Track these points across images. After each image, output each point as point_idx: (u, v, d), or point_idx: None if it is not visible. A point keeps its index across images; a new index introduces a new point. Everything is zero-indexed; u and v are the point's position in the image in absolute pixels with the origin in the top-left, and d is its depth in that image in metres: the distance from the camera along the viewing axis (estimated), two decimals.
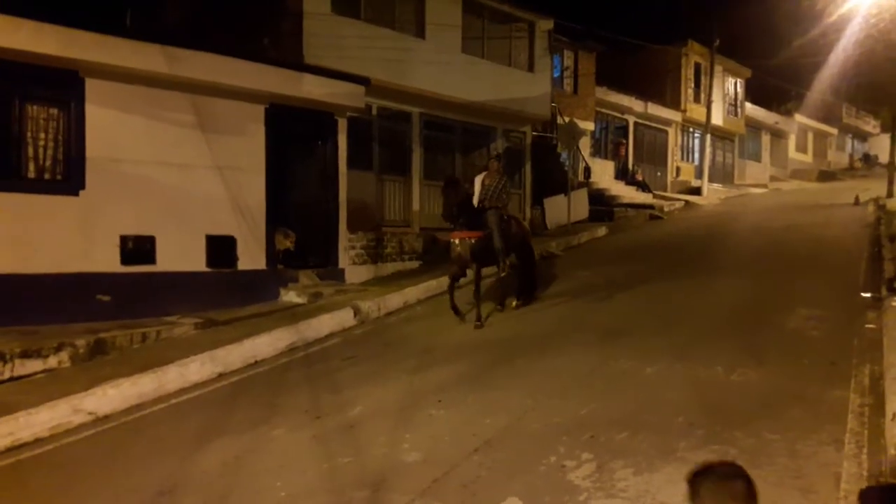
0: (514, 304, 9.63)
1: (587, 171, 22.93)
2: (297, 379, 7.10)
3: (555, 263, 13.95)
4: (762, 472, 4.18)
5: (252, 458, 5.13)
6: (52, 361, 7.44)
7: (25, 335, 7.72)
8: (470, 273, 9.37)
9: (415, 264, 13.78)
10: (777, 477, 4.14)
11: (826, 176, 39.04)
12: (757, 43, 40.28)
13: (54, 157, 8.95)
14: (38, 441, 5.86)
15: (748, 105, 35.03)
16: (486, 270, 9.50)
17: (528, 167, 19.25)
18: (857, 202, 20.31)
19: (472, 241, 8.86)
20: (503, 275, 9.52)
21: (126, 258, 9.17)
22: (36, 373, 7.30)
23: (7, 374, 7.11)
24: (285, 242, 11.11)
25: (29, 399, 6.26)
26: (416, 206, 15.89)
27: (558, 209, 19.24)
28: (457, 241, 9.00)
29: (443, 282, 11.61)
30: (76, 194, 8.89)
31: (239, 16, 13.78)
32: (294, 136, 11.38)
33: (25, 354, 7.27)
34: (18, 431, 5.81)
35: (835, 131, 45.51)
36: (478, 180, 9.49)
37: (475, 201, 9.29)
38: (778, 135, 39.92)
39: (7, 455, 5.63)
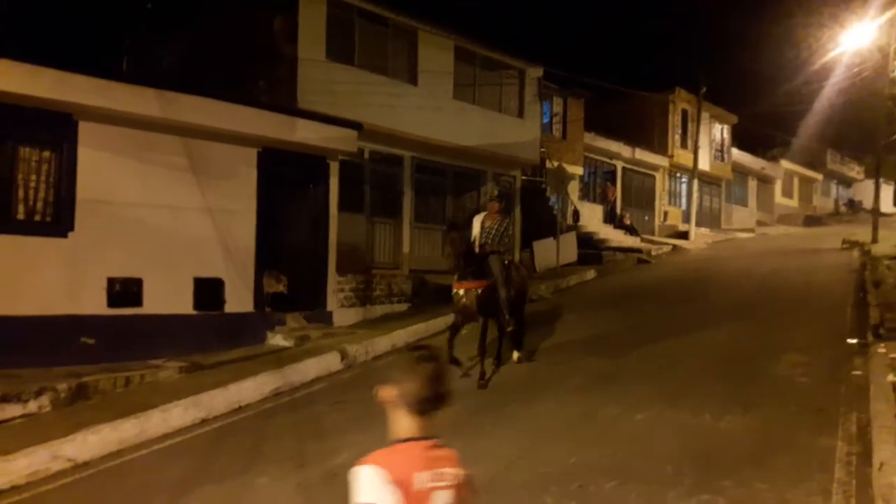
0: (515, 357, 8.91)
1: (576, 214, 23.09)
2: (282, 425, 7.01)
3: (544, 306, 13.94)
4: None
5: None
6: (33, 406, 7.31)
7: (6, 378, 7.60)
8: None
9: (403, 307, 13.75)
10: None
11: (812, 221, 39.48)
12: (743, 90, 41.19)
13: (45, 199, 8.95)
14: (14, 489, 5.72)
15: (735, 151, 35.54)
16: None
17: (517, 210, 19.38)
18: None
19: (479, 291, 8.12)
20: (510, 329, 8.61)
21: (113, 300, 9.12)
22: (15, 417, 7.16)
23: None
24: (277, 286, 10.99)
25: (6, 445, 6.13)
26: (406, 248, 15.93)
27: (547, 252, 19.31)
28: (462, 293, 8.22)
29: (431, 325, 11.61)
30: (65, 236, 8.87)
31: (234, 60, 13.97)
32: (286, 179, 11.43)
33: (5, 399, 7.14)
34: None
35: (820, 177, 46.17)
36: (476, 221, 8.86)
37: (476, 245, 8.64)
38: (764, 180, 40.43)
39: None
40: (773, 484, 4.69)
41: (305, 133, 11.28)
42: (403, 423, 2.16)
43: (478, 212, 9.43)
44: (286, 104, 12.14)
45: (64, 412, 7.31)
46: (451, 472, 2.17)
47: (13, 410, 7.16)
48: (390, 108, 14.50)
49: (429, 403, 2.16)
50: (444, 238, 8.59)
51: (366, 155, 14.75)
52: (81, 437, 6.29)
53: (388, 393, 2.17)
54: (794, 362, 7.88)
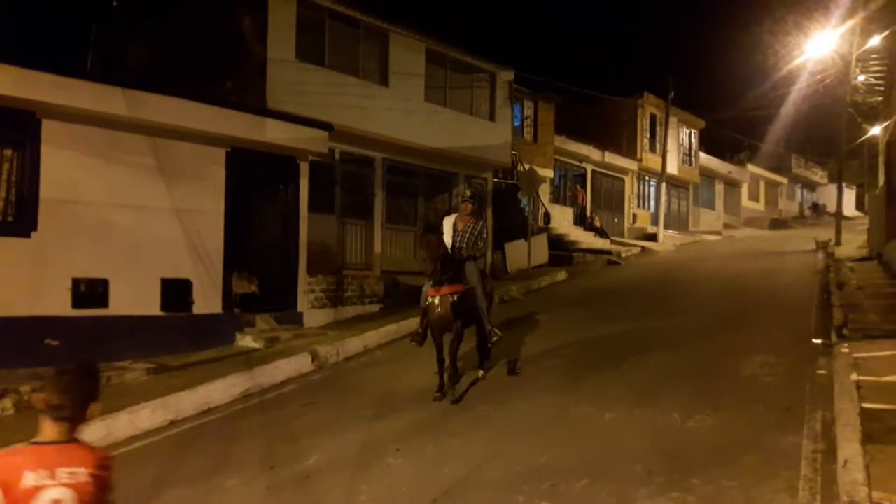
0: (480, 374, 8.20)
1: (547, 216, 23.27)
2: (252, 427, 6.93)
3: (515, 307, 14.00)
4: None
5: None
6: None
7: None
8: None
9: (375, 308, 13.70)
10: None
11: (777, 224, 40.27)
12: (711, 95, 41.87)
13: (6, 198, 8.76)
14: None
15: (702, 155, 36.10)
16: None
17: (489, 213, 19.45)
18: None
19: (455, 298, 7.38)
20: (494, 341, 7.97)
21: (78, 301, 8.95)
22: None
23: None
24: (249, 287, 10.88)
25: None
26: (377, 249, 15.89)
27: (519, 254, 19.42)
28: (437, 300, 7.38)
29: (403, 326, 11.55)
30: (28, 236, 8.69)
31: (203, 60, 13.81)
32: (256, 179, 11.33)
33: None
34: None
35: (785, 181, 47.10)
36: (447, 223, 8.19)
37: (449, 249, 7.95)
38: (731, 184, 41.12)
39: None
40: (740, 481, 4.75)
41: (275, 133, 11.19)
42: (43, 426, 2.46)
43: (449, 213, 8.77)
44: (255, 104, 12.03)
45: (27, 414, 7.13)
46: (70, 472, 2.40)
47: None
48: (361, 109, 14.48)
49: (56, 411, 2.45)
50: (419, 241, 7.55)
51: (337, 156, 14.69)
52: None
53: (36, 400, 2.58)
54: (761, 362, 7.99)
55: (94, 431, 6.47)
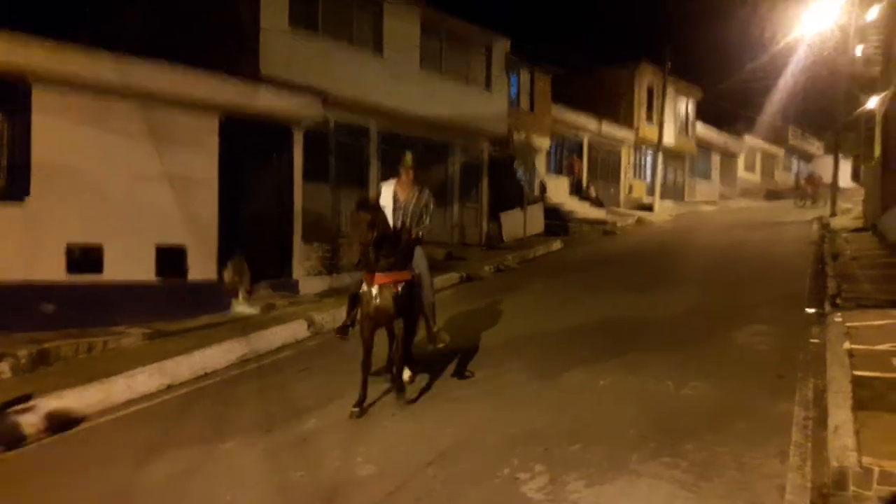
0: (407, 376, 6.78)
1: (543, 186, 23.24)
2: (249, 391, 6.97)
3: (510, 276, 14.06)
4: (712, 485, 4.27)
5: (201, 472, 5.01)
6: None
7: None
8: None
9: None
10: (725, 489, 4.23)
11: (773, 195, 40.29)
12: (708, 65, 41.55)
13: None
14: None
15: (699, 125, 35.98)
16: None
17: (485, 182, 19.41)
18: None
19: (398, 288, 6.12)
20: (441, 346, 6.72)
21: (72, 267, 8.92)
22: None
23: None
24: (237, 282, 10.48)
25: None
26: None
27: (514, 223, 19.43)
28: (374, 291, 6.06)
29: None
30: (21, 200, 8.62)
31: (195, 28, 13.60)
32: (249, 147, 11.24)
33: None
34: None
35: (781, 152, 47.07)
36: (386, 192, 6.78)
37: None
38: (728, 154, 41.06)
39: None
40: (732, 447, 4.81)
41: (268, 101, 11.10)
42: None
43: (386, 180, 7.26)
44: (248, 72, 11.88)
45: (25, 378, 7.17)
46: None
47: None
48: (355, 77, 14.34)
49: None
50: (350, 219, 6.36)
51: (331, 125, 14.56)
52: (45, 403, 6.19)
53: None
54: (755, 331, 8.06)
55: (92, 395, 6.54)
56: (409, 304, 6.33)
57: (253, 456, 5.25)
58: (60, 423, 6.18)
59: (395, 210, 6.63)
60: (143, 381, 6.96)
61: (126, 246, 9.42)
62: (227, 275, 10.09)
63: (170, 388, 7.13)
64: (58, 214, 8.82)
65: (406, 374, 6.75)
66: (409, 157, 6.94)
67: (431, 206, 6.87)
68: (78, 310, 8.77)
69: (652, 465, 4.61)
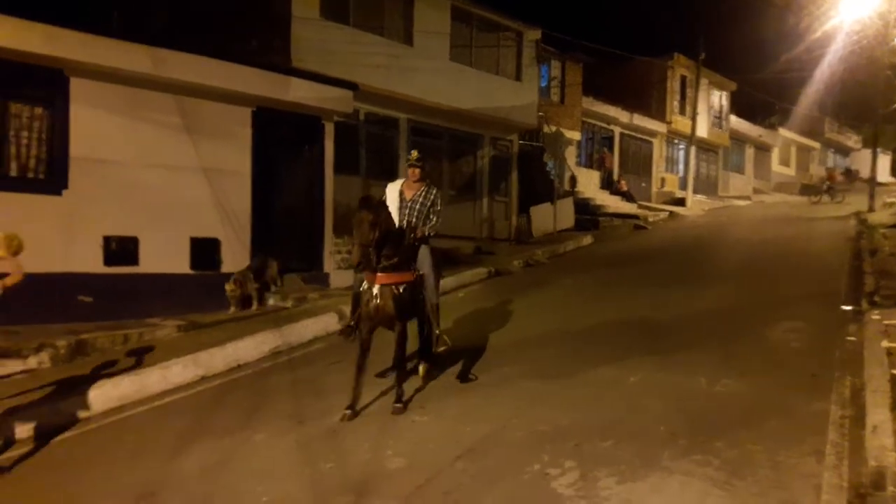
0: (422, 371, 6.79)
1: (573, 180, 23.06)
2: (281, 383, 7.05)
3: (540, 271, 14.00)
4: (745, 483, 4.21)
5: (234, 462, 5.08)
6: (32, 362, 7.35)
7: (5, 335, 7.63)
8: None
9: None
10: (759, 488, 4.16)
11: (808, 189, 39.45)
12: (743, 57, 40.90)
13: (37, 156, 8.87)
14: (18, 442, 5.78)
15: (733, 118, 35.39)
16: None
17: (514, 175, 19.33)
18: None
19: (400, 289, 5.99)
20: (442, 350, 6.55)
21: (109, 259, 9.10)
22: (15, 373, 7.20)
23: None
24: (246, 287, 10.13)
25: (10, 401, 6.17)
26: None
27: (544, 217, 19.32)
28: (375, 290, 5.94)
29: None
30: (59, 194, 8.82)
31: (227, 19, 13.73)
32: (281, 139, 11.35)
33: (5, 354, 7.20)
34: None
35: (818, 146, 46.07)
36: (392, 191, 6.63)
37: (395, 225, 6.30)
38: (762, 148, 40.35)
39: None
40: (766, 446, 4.74)
41: (300, 93, 11.17)
42: None
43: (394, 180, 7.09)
44: (280, 63, 11.97)
45: (63, 368, 7.34)
46: None
47: (13, 366, 7.20)
48: (386, 68, 14.36)
49: None
50: (353, 219, 5.85)
51: (361, 116, 14.63)
52: (83, 393, 6.32)
53: None
54: (789, 328, 7.93)
55: (128, 386, 6.67)
56: (412, 305, 6.21)
57: (284, 447, 5.31)
58: (97, 413, 6.32)
59: (400, 209, 6.48)
60: (177, 372, 7.08)
61: (161, 238, 9.57)
62: (228, 286, 9.86)
63: (203, 379, 7.25)
64: (95, 207, 8.99)
65: (422, 369, 6.73)
66: (414, 153, 6.71)
67: (439, 205, 6.65)
68: (114, 301, 8.95)
69: (683, 462, 4.56)
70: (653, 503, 4.05)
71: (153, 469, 5.07)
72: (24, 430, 5.88)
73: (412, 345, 6.64)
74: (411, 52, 15.33)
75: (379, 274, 5.93)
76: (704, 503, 4.02)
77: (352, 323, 6.30)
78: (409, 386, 6.44)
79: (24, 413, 6.00)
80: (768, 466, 4.44)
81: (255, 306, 10.18)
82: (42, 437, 5.85)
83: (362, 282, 6.11)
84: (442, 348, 6.51)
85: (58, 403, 6.21)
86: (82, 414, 6.25)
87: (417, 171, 6.57)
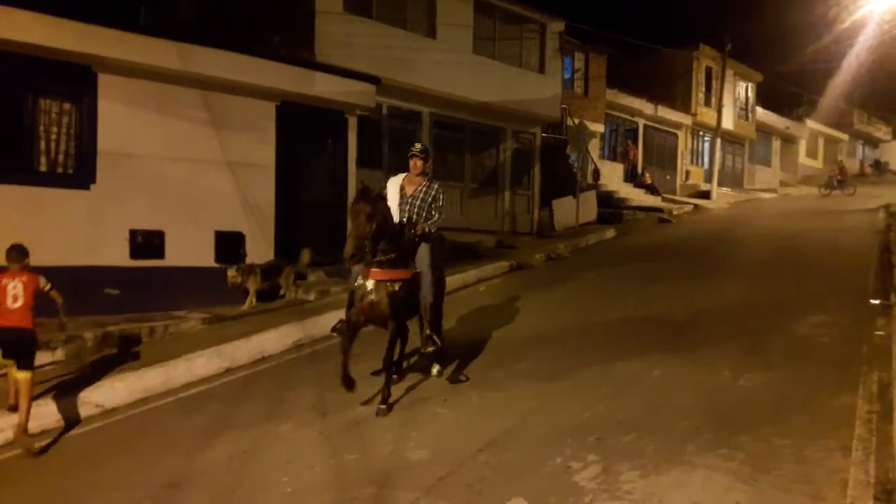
0: (435, 371, 6.70)
1: (596, 173, 22.90)
2: (305, 375, 7.11)
3: (562, 265, 13.95)
4: (770, 478, 4.17)
5: (258, 453, 5.15)
6: (60, 354, 7.48)
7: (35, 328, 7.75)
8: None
9: None
10: (785, 483, 4.12)
11: (828, 183, 38.78)
12: (769, 47, 40.17)
13: (66, 150, 9.01)
14: (45, 432, 5.90)
15: (759, 110, 34.90)
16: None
17: (536, 168, 19.24)
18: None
19: (396, 286, 5.82)
20: (430, 350, 6.33)
21: (135, 252, 9.22)
22: (44, 365, 7.33)
23: None
24: (246, 280, 9.91)
25: (37, 390, 6.28)
26: None
27: (567, 211, 19.23)
28: (370, 285, 5.79)
29: (449, 281, 11.54)
30: (87, 188, 8.95)
31: (250, 13, 13.81)
32: (304, 133, 11.41)
33: None
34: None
35: (846, 137, 45.27)
36: (393, 186, 6.46)
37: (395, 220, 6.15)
38: (788, 140, 39.76)
39: (15, 446, 5.66)
40: (792, 440, 4.69)
41: (324, 87, 11.21)
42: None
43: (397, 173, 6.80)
44: (304, 58, 12.03)
45: (90, 360, 7.46)
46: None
47: (42, 358, 7.31)
48: (409, 62, 14.35)
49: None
50: (349, 211, 5.78)
51: (384, 110, 14.64)
52: (109, 384, 6.46)
53: None
54: (816, 322, 7.82)
55: (153, 378, 6.78)
56: (409, 304, 6.03)
57: (309, 438, 5.37)
58: (123, 404, 6.43)
59: (401, 204, 6.31)
60: (202, 364, 7.18)
61: (187, 232, 9.68)
62: (230, 272, 9.73)
63: (228, 371, 7.33)
64: (122, 201, 9.12)
65: (434, 368, 6.65)
66: (417, 146, 6.51)
67: (442, 201, 6.43)
68: (141, 294, 9.07)
69: (707, 456, 4.52)
70: (676, 497, 4.02)
71: (179, 459, 5.15)
72: (51, 421, 6.00)
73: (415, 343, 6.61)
74: (434, 46, 15.30)
75: (374, 269, 5.77)
76: (728, 497, 3.98)
77: (345, 319, 6.14)
78: (428, 382, 6.45)
79: (52, 403, 6.12)
80: (794, 461, 4.39)
81: (248, 304, 9.91)
82: (69, 427, 5.97)
83: (356, 278, 5.97)
84: (430, 349, 6.29)
85: (85, 394, 6.32)
86: (109, 405, 6.36)
87: (420, 163, 6.38)
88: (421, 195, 6.35)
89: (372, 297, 5.79)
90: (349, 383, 5.78)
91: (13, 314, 5.67)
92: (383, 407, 5.77)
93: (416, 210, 6.30)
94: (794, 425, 4.97)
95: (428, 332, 6.27)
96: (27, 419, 5.54)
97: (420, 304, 6.22)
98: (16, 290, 5.72)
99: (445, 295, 10.70)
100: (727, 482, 4.16)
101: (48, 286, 6.00)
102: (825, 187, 30.00)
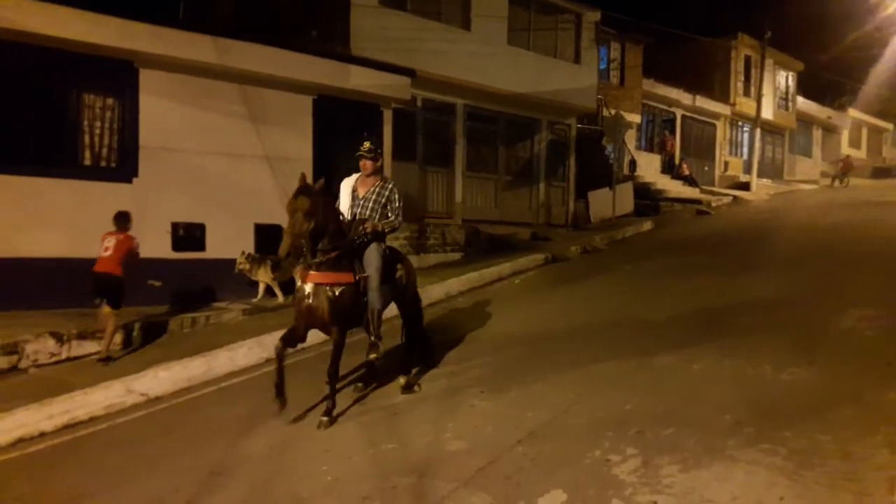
0: (403, 382, 6.34)
1: (633, 164, 22.68)
2: (342, 366, 7.12)
3: (598, 257, 13.85)
4: (814, 474, 4.10)
5: (298, 442, 5.23)
6: (105, 344, 7.66)
7: (81, 317, 7.99)
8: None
9: (457, 256, 13.82)
10: (829, 479, 4.05)
11: (880, 172, 37.82)
12: (810, 35, 39.19)
13: (109, 145, 9.21)
14: (92, 419, 6.07)
15: (800, 99, 34.16)
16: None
17: (572, 160, 19.12)
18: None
19: (336, 291, 5.51)
20: (373, 357, 5.97)
21: (177, 244, 9.40)
22: (91, 354, 7.54)
23: (64, 355, 7.39)
24: (254, 271, 9.78)
25: (84, 379, 6.48)
26: (458, 197, 15.92)
27: (603, 203, 19.08)
28: (308, 289, 5.54)
29: (485, 274, 11.65)
30: (129, 181, 9.14)
31: (287, 7, 13.93)
32: (340, 127, 11.48)
33: (82, 336, 7.54)
34: (75, 410, 6.03)
35: (890, 127, 44.07)
36: (345, 188, 6.24)
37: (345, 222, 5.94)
38: (830, 129, 38.86)
39: (64, 432, 5.85)
40: (836, 436, 4.60)
41: (359, 80, 11.27)
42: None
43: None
44: (339, 51, 12.10)
45: (135, 350, 7.65)
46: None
47: (89, 347, 7.54)
48: (443, 54, 14.35)
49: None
50: (287, 207, 5.51)
51: (418, 103, 14.67)
52: (153, 374, 6.60)
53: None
54: (861, 315, 7.64)
55: (196, 368, 6.91)
56: (352, 310, 5.65)
57: (347, 428, 5.43)
58: (167, 393, 6.57)
59: (352, 205, 6.07)
60: (243, 354, 7.29)
61: (227, 225, 9.83)
62: (239, 259, 9.64)
63: (268, 361, 7.41)
64: (163, 194, 9.29)
65: (401, 379, 6.31)
66: (366, 144, 6.14)
67: (397, 201, 6.11)
68: (183, 285, 9.25)
69: (749, 451, 4.46)
70: (717, 491, 3.98)
71: (221, 447, 5.24)
72: (98, 409, 6.16)
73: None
74: (469, 37, 15.28)
75: (312, 272, 5.48)
76: (771, 493, 3.93)
77: (295, 333, 5.77)
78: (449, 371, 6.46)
79: (98, 392, 6.28)
80: (839, 457, 4.31)
81: (259, 296, 9.95)
82: (114, 416, 6.12)
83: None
84: (372, 356, 5.92)
85: (129, 383, 6.48)
86: (153, 393, 6.51)
87: (369, 163, 6.11)
88: (373, 196, 6.05)
89: (310, 301, 5.49)
90: (281, 395, 5.53)
91: (105, 262, 7.51)
92: (325, 419, 5.50)
93: (367, 212, 6.00)
94: (838, 421, 4.87)
95: (373, 338, 5.89)
96: (109, 343, 7.47)
97: (371, 309, 5.83)
98: (109, 244, 7.57)
99: (480, 287, 10.81)
100: (770, 477, 4.10)
101: (137, 249, 7.80)
102: (831, 180, 31.03)
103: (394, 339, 6.79)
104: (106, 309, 7.51)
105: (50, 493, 4.77)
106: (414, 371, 6.55)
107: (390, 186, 6.14)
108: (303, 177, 5.54)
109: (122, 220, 7.82)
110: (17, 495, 4.79)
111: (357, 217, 5.95)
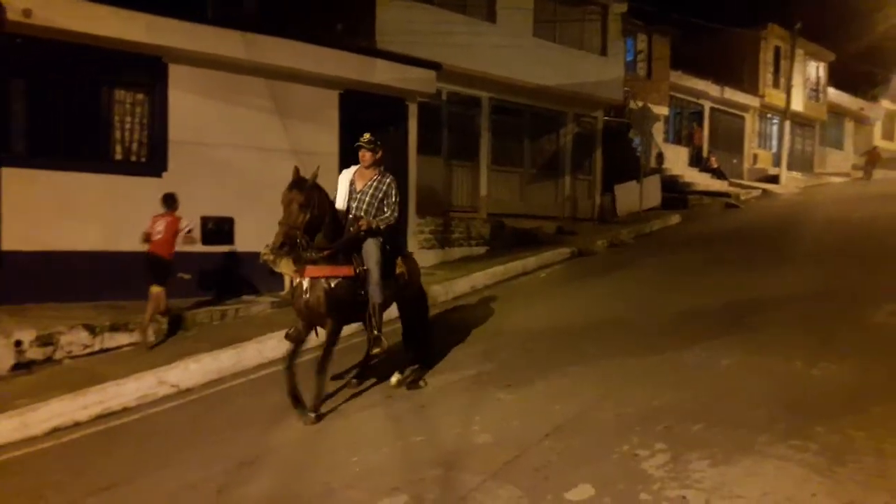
0: (395, 380, 6.35)
1: (660, 157, 22.44)
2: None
3: (625, 251, 13.77)
4: (847, 470, 4.05)
5: (327, 433, 5.28)
6: (138, 335, 7.80)
7: (113, 310, 8.14)
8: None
9: (482, 250, 13.81)
10: (863, 476, 4.00)
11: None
12: (841, 25, 38.45)
13: (139, 140, 9.33)
14: (125, 410, 6.19)
15: (831, 90, 33.56)
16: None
17: (598, 152, 18.99)
18: None
19: (332, 284, 5.47)
20: (377, 352, 5.96)
21: (206, 238, 9.49)
22: (123, 345, 7.68)
23: (97, 346, 7.52)
24: (286, 264, 9.49)
25: (117, 370, 6.60)
26: (483, 191, 15.90)
27: (630, 196, 18.94)
28: (305, 284, 5.51)
29: (510, 268, 11.64)
30: (159, 176, 9.25)
31: (312, 2, 13.99)
32: (367, 121, 11.44)
33: (114, 328, 7.67)
34: (108, 400, 6.15)
35: None
36: (343, 180, 6.14)
37: (343, 215, 5.92)
38: (862, 121, 38.13)
39: (98, 422, 5.98)
40: (870, 432, 4.53)
41: (385, 74, 11.29)
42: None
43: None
44: (365, 46, 12.12)
45: (166, 342, 7.77)
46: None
47: (121, 339, 7.68)
48: (468, 47, 14.31)
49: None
50: (282, 200, 5.47)
51: (443, 96, 14.66)
52: (184, 365, 6.70)
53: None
54: (893, 310, 7.52)
55: (226, 359, 7.01)
56: (350, 304, 5.57)
57: (376, 420, 5.47)
58: (197, 384, 6.67)
59: (349, 198, 6.00)
60: (272, 346, 7.36)
61: (255, 218, 9.87)
62: (264, 250, 9.71)
63: None
64: (193, 188, 9.36)
65: (395, 377, 6.31)
66: (365, 136, 6.06)
67: (395, 196, 6.02)
68: (213, 278, 9.36)
69: (779, 446, 4.42)
70: (748, 487, 3.94)
71: (251, 438, 5.32)
72: (130, 399, 6.27)
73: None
74: (494, 30, 15.21)
75: (308, 266, 5.43)
76: (803, 489, 3.89)
77: (296, 334, 5.76)
78: (472, 363, 6.45)
79: (131, 383, 6.39)
80: (872, 454, 4.25)
81: (286, 290, 9.84)
82: (146, 406, 6.23)
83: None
84: (376, 350, 5.89)
85: (161, 374, 6.58)
86: (184, 385, 6.61)
87: (368, 154, 6.01)
88: (371, 190, 5.96)
89: (307, 296, 5.44)
90: (297, 400, 5.45)
91: (156, 244, 7.83)
92: (311, 415, 5.42)
93: (364, 206, 5.91)
94: (871, 416, 4.80)
95: (376, 332, 5.84)
96: (150, 318, 7.77)
97: (371, 304, 5.77)
98: (160, 227, 7.88)
99: (505, 281, 10.80)
100: (801, 473, 4.05)
101: (187, 228, 8.13)
102: (865, 172, 30.41)
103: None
104: (154, 288, 7.76)
105: (84, 481, 4.87)
106: (411, 368, 6.51)
107: (388, 181, 6.06)
108: (296, 170, 5.52)
109: (170, 200, 8.05)
110: (53, 483, 4.90)
111: (354, 213, 5.89)
